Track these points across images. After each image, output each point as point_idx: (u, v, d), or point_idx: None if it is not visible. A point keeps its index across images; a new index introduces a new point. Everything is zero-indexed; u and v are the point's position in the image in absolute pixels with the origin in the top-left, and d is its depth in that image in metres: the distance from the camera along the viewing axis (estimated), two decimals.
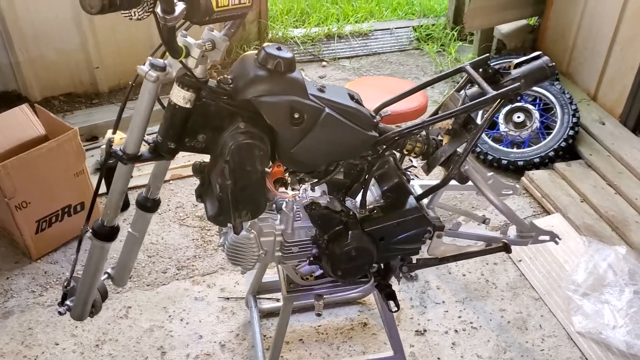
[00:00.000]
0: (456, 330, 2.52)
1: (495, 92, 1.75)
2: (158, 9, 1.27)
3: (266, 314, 2.55)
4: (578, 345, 2.44)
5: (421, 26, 5.01)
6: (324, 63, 4.59)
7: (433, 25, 5.01)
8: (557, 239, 2.14)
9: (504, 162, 3.41)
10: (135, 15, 1.21)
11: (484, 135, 3.55)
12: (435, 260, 2.02)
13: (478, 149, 3.50)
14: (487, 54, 1.93)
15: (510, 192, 2.17)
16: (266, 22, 4.47)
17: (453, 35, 4.77)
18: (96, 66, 3.91)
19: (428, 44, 4.81)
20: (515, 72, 1.86)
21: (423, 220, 1.86)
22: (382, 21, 5.23)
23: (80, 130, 2.85)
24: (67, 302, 1.90)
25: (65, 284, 1.90)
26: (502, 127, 3.58)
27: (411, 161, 2.05)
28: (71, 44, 3.77)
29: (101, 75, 3.96)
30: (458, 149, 1.87)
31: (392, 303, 1.95)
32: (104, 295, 1.97)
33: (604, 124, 3.58)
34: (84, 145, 2.88)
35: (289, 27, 4.91)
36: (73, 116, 3.75)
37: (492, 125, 3.63)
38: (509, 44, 4.29)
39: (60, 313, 1.89)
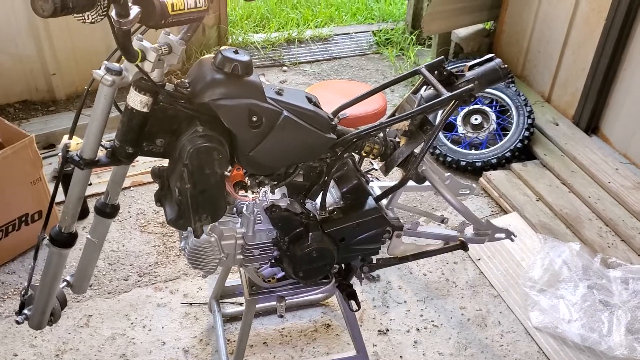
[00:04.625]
0: (418, 329, 2.56)
1: (449, 94, 1.79)
2: (112, 13, 1.27)
3: (230, 319, 2.55)
4: (535, 340, 2.51)
5: (380, 31, 5.07)
6: (284, 68, 4.60)
7: (392, 29, 5.08)
8: (512, 237, 2.20)
9: (463, 163, 3.48)
10: (88, 18, 1.20)
11: (442, 137, 3.62)
12: (395, 260, 2.05)
13: (437, 151, 3.57)
14: (442, 56, 1.97)
15: (468, 191, 2.22)
16: (226, 27, 4.47)
17: (412, 39, 4.84)
18: (52, 73, 3.85)
19: (387, 48, 4.88)
20: (469, 74, 1.91)
21: (382, 221, 1.89)
22: (342, 26, 5.28)
23: (37, 138, 2.80)
24: (25, 311, 1.86)
25: (22, 292, 1.86)
26: (460, 129, 3.65)
27: (372, 164, 2.08)
28: (26, 50, 3.69)
29: (58, 82, 3.90)
30: (415, 150, 1.91)
31: (353, 303, 1.97)
32: (63, 303, 1.94)
33: (557, 124, 3.68)
34: (41, 153, 2.83)
35: (249, 32, 4.92)
36: (29, 124, 3.68)
37: (451, 127, 3.70)
38: (465, 48, 4.39)
39: (17, 322, 1.85)
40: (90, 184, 3.13)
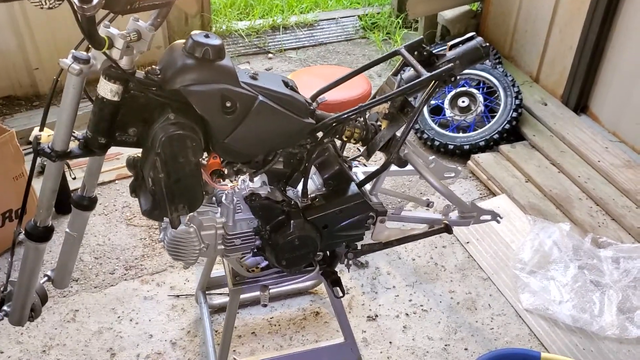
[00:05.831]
0: (407, 314, 2.54)
1: (429, 74, 1.76)
2: None
3: (217, 310, 2.52)
4: (526, 322, 2.49)
5: (366, 15, 5.01)
6: (270, 55, 4.55)
7: (378, 13, 5.01)
8: (498, 218, 2.17)
9: (451, 146, 3.45)
10: (45, 4, 1.16)
11: (430, 121, 3.58)
12: (379, 245, 2.02)
13: (425, 135, 3.53)
14: (421, 37, 1.93)
15: (453, 174, 2.20)
16: (209, 16, 4.41)
17: (398, 23, 4.79)
18: (35, 67, 3.79)
19: (374, 33, 4.83)
20: (450, 54, 1.88)
21: (365, 206, 1.86)
22: (327, 11, 5.21)
23: (21, 134, 2.76)
24: (5, 308, 1.83)
25: (1, 289, 1.84)
26: (448, 113, 3.62)
27: (359, 150, 2.04)
28: (7, 45, 3.64)
29: (41, 77, 3.84)
30: (397, 133, 1.87)
31: (338, 289, 1.95)
32: (44, 299, 1.91)
33: (546, 104, 3.65)
34: (24, 149, 2.79)
35: (232, 20, 4.86)
36: (13, 119, 3.63)
37: (438, 111, 3.67)
38: (452, 30, 4.34)
39: None
40: (74, 178, 3.09)
